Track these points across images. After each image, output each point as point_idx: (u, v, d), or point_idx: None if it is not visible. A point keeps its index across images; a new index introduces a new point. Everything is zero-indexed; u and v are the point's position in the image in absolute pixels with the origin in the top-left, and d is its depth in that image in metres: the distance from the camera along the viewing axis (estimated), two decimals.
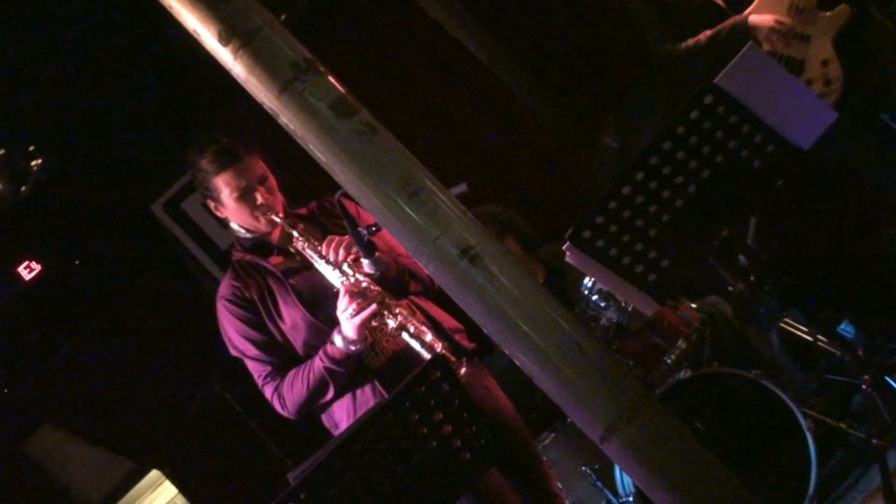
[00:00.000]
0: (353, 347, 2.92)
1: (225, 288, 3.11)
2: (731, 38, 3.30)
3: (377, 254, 2.88)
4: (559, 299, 2.25)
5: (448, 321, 3.07)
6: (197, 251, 5.68)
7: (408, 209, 2.20)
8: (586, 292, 3.67)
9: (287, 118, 2.25)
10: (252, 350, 3.04)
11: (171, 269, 5.76)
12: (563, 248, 2.44)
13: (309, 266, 3.05)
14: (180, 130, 5.19)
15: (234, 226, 3.14)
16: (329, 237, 3.03)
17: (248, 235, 3.14)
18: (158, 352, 5.54)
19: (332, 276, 2.97)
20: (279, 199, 3.12)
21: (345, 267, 2.94)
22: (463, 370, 2.81)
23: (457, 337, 3.03)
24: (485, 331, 2.28)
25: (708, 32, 3.38)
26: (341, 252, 2.95)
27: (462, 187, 2.49)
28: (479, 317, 2.24)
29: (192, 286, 5.73)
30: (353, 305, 2.87)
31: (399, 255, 3.10)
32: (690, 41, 3.42)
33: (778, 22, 3.25)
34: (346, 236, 2.95)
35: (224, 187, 3.06)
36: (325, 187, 2.74)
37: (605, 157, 4.52)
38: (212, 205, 3.15)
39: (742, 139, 2.49)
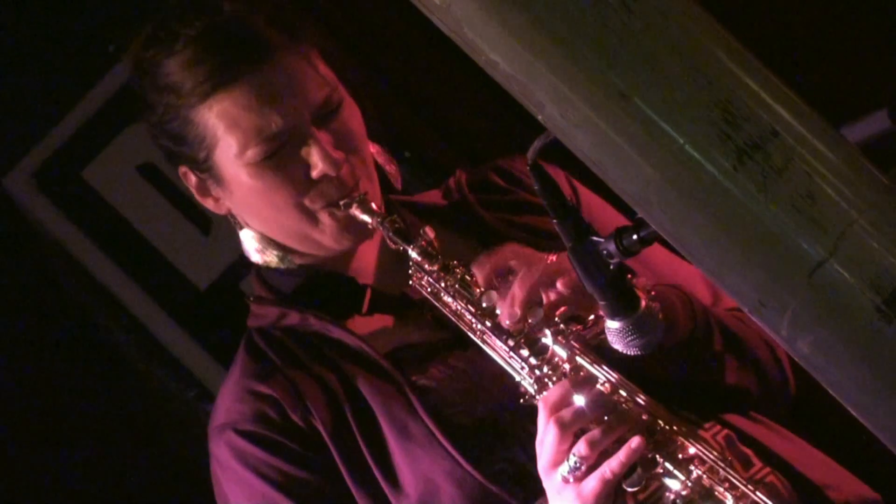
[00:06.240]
0: None
1: (233, 402, 2.20)
2: None
3: (645, 303, 1.86)
4: None
5: (821, 472, 2.15)
6: (131, 294, 4.35)
7: (735, 190, 1.45)
8: None
9: None
10: None
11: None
12: None
13: (462, 339, 2.05)
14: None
15: (248, 238, 2.23)
16: (495, 254, 2.04)
17: (286, 265, 2.21)
18: None
19: (515, 367, 1.98)
20: (370, 163, 2.20)
21: (548, 339, 1.93)
22: None
23: None
24: None
25: None
26: (544, 305, 1.93)
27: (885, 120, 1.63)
28: None
29: (115, 381, 4.38)
30: (581, 449, 1.91)
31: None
32: None
33: None
34: (554, 258, 1.97)
35: (228, 133, 2.12)
36: (490, 138, 2.15)
37: None
38: (192, 179, 2.24)
39: None
